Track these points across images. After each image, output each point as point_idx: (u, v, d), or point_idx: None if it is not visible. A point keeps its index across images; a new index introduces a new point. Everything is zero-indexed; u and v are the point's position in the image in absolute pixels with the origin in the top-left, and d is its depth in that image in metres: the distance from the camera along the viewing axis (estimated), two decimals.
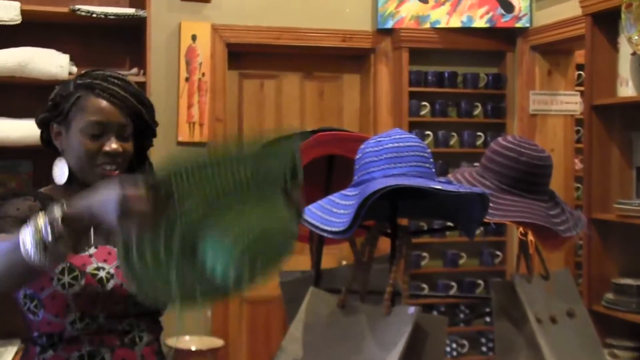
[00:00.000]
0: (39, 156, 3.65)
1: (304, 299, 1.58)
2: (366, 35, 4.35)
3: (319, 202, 1.53)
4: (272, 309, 4.22)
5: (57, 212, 1.21)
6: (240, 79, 4.33)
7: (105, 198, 1.19)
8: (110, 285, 1.57)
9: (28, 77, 3.39)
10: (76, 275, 1.54)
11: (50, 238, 1.19)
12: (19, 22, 3.44)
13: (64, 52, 3.50)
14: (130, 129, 1.64)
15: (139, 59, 3.69)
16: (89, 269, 1.56)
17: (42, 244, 1.19)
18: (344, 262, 4.23)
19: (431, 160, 1.53)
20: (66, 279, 1.54)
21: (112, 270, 1.57)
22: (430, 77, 4.40)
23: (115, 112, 1.61)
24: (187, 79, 4.01)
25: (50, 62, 3.42)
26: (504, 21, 4.38)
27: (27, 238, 1.21)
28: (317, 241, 1.96)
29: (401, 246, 1.51)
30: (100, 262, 1.58)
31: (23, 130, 3.36)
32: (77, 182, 1.62)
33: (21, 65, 3.38)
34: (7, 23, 3.44)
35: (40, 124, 1.68)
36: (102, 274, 1.57)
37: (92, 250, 1.59)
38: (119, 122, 1.61)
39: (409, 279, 1.51)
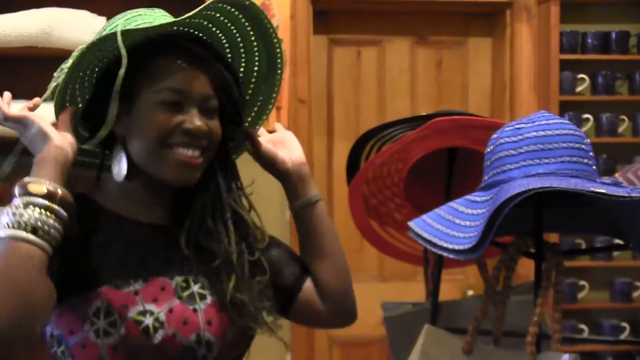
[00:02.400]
0: None
1: (417, 340, 1.59)
2: None
3: (437, 210, 1.54)
4: (372, 353, 4.24)
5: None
6: (330, 47, 4.37)
7: None
8: (158, 336, 1.50)
9: (53, 47, 3.50)
10: (114, 320, 1.49)
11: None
12: None
13: (101, 13, 3.61)
14: (216, 104, 1.61)
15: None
16: (132, 313, 1.50)
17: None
18: (471, 292, 4.22)
19: (591, 154, 1.51)
20: (101, 323, 1.49)
21: (162, 316, 1.52)
22: (590, 40, 4.32)
23: (199, 78, 1.58)
24: None
25: (82, 27, 3.53)
26: None
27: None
28: (435, 263, 1.96)
29: (549, 271, 1.50)
30: (149, 304, 1.52)
31: (47, 116, 3.48)
32: (140, 178, 1.59)
33: (45, 32, 3.50)
34: None
35: (91, 109, 1.62)
36: (148, 320, 1.51)
37: (140, 283, 1.54)
38: (204, 92, 1.58)
39: (561, 316, 1.50)
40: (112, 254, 1.55)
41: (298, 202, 1.75)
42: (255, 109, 1.77)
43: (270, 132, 1.83)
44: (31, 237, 1.35)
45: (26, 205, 1.37)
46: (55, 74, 1.60)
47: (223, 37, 1.68)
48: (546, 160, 1.47)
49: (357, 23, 4.39)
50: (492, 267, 1.59)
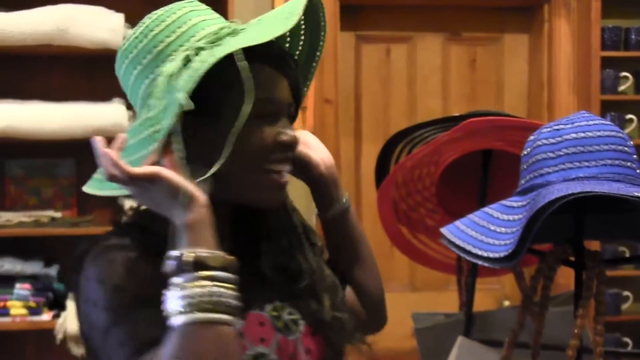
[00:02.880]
0: (84, 154, 3.79)
1: (450, 353, 1.59)
2: None
3: (471, 216, 1.54)
4: None
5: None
6: (358, 44, 4.37)
7: None
8: None
9: (69, 45, 3.53)
10: None
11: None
12: None
13: (118, 10, 3.63)
14: (294, 110, 1.53)
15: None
16: (244, 358, 1.41)
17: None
18: (507, 303, 4.20)
19: (634, 156, 1.50)
20: None
21: (273, 356, 1.45)
22: (634, 36, 4.30)
23: (284, 82, 1.48)
24: None
25: (99, 24, 3.55)
26: None
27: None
28: (469, 272, 1.96)
29: (591, 281, 1.49)
30: (257, 345, 1.44)
31: (63, 117, 3.50)
32: (217, 202, 1.39)
33: (60, 30, 3.52)
34: None
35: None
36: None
37: (240, 323, 1.37)
38: (289, 98, 1.49)
39: (604, 329, 1.49)
40: None
41: (333, 209, 1.65)
42: None
43: None
44: (230, 319, 1.26)
45: (210, 280, 1.25)
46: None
47: None
48: (586, 164, 1.47)
49: (386, 19, 4.39)
50: (529, 276, 1.58)
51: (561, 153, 1.49)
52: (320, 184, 1.64)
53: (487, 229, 1.48)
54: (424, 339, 1.98)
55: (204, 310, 1.23)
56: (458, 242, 1.50)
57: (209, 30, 1.41)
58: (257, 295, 1.47)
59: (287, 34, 1.56)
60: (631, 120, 4.29)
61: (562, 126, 1.53)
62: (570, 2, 4.31)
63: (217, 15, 1.47)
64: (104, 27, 3.56)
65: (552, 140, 1.51)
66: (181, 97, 1.32)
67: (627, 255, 4.15)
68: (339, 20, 4.18)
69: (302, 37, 1.60)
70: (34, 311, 3.52)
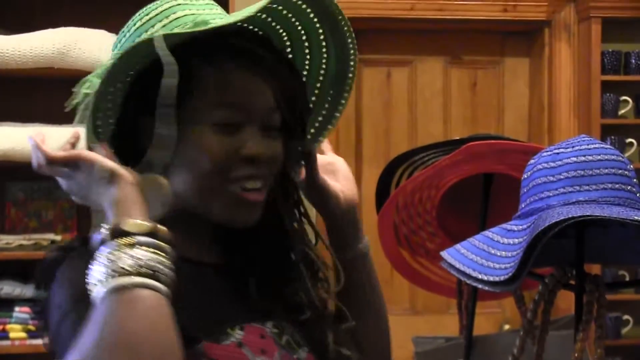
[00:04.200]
0: None
1: None
2: (538, 2, 4.32)
3: (471, 239, 1.54)
4: None
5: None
6: (359, 67, 4.34)
7: None
8: None
9: (70, 68, 3.54)
10: None
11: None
12: None
13: (118, 33, 3.64)
14: (279, 119, 1.36)
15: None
16: None
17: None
18: (507, 327, 4.20)
19: (635, 180, 1.51)
20: None
21: None
22: (634, 60, 4.31)
23: (260, 87, 1.34)
24: None
25: (100, 47, 3.57)
26: None
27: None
28: (469, 296, 1.96)
29: (591, 304, 1.49)
30: (258, 356, 1.34)
31: (64, 140, 3.51)
32: (185, 212, 1.35)
33: (61, 52, 3.53)
34: None
35: (121, 124, 1.37)
36: None
37: (239, 333, 1.34)
38: (266, 106, 1.34)
39: (604, 353, 1.49)
40: (190, 303, 1.28)
41: (348, 253, 1.50)
42: (320, 118, 1.53)
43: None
44: (152, 282, 1.13)
45: (130, 246, 1.14)
46: (82, 90, 1.33)
47: (282, 31, 1.43)
48: (587, 187, 1.47)
49: (387, 42, 4.40)
50: (530, 300, 1.59)
51: (561, 177, 1.50)
52: (335, 221, 1.51)
53: (488, 253, 1.48)
54: None
55: (123, 274, 1.11)
56: (458, 265, 1.50)
57: (188, 20, 1.31)
58: (256, 310, 1.37)
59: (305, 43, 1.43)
60: (631, 144, 4.29)
61: (562, 150, 1.53)
62: (570, 26, 4.33)
63: (212, 9, 1.36)
64: (104, 50, 3.57)
65: (552, 164, 1.52)
66: (97, 74, 1.28)
67: (627, 279, 4.14)
68: None
69: (324, 42, 1.44)
70: (33, 334, 3.51)
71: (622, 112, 4.32)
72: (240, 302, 1.38)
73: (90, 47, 3.56)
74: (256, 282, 1.39)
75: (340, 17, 1.39)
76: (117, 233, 1.15)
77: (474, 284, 1.48)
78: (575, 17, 4.33)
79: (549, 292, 1.53)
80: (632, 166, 1.54)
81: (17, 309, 3.54)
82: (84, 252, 1.24)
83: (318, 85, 1.49)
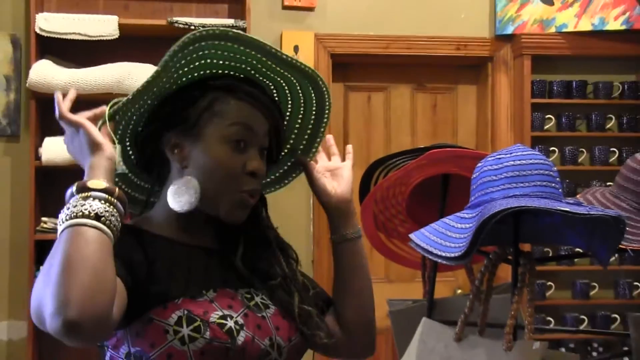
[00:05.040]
0: None
1: (416, 331, 1.58)
2: (483, 42, 4.31)
3: (433, 225, 1.53)
4: (379, 340, 4.20)
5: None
6: (346, 92, 4.37)
7: None
8: (241, 338, 1.32)
9: (125, 94, 3.52)
10: (198, 326, 1.29)
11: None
12: (116, 36, 3.61)
13: None
14: (267, 144, 1.44)
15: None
16: (214, 317, 1.31)
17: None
18: (460, 291, 4.19)
19: (557, 179, 1.50)
20: (185, 331, 1.28)
21: (240, 320, 1.34)
22: (555, 87, 4.31)
23: (260, 119, 1.40)
24: None
25: (147, 77, 3.56)
26: None
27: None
28: (431, 268, 1.95)
29: (524, 274, 1.48)
30: (226, 309, 1.34)
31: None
32: (198, 210, 1.38)
33: (118, 82, 3.53)
34: (105, 38, 3.61)
35: (145, 138, 1.42)
36: (230, 323, 1.32)
37: (211, 293, 1.35)
38: (263, 132, 1.41)
39: (533, 311, 1.48)
40: (178, 273, 1.34)
41: (334, 236, 1.54)
42: (306, 137, 1.59)
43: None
44: (96, 223, 1.17)
45: (85, 198, 1.19)
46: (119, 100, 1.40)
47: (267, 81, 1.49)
48: (522, 185, 1.46)
49: (368, 73, 4.39)
50: (477, 271, 1.58)
51: (502, 176, 1.49)
52: (328, 211, 1.55)
53: (445, 235, 1.48)
54: (396, 319, 1.97)
55: (82, 217, 1.17)
56: (423, 245, 1.49)
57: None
58: (233, 282, 1.40)
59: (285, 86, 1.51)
60: (554, 151, 4.29)
61: (502, 155, 1.52)
62: (508, 61, 4.32)
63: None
64: None
65: (495, 167, 1.51)
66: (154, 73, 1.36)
67: (551, 254, 4.14)
68: (332, 74, 4.19)
69: (302, 101, 1.54)
70: None
71: (547, 127, 4.32)
72: (221, 275, 1.39)
73: (141, 77, 3.55)
74: (241, 259, 1.42)
75: (319, 78, 1.51)
76: (80, 188, 1.21)
77: (435, 259, 1.47)
78: (511, 55, 4.32)
79: (492, 265, 1.52)
80: (555, 168, 1.53)
81: None
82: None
83: (299, 121, 1.56)
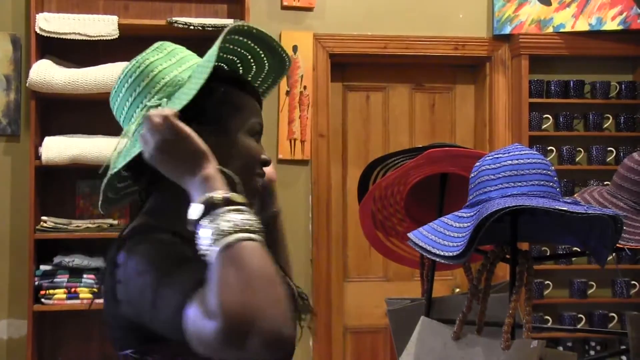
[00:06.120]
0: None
1: (414, 330, 1.58)
2: (481, 43, 4.31)
3: (431, 224, 1.53)
4: (378, 339, 4.21)
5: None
6: (345, 92, 4.37)
7: None
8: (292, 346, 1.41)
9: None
10: None
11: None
12: (116, 36, 3.61)
13: None
14: None
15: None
16: None
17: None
18: (458, 290, 4.19)
19: (555, 178, 1.50)
20: None
21: None
22: (553, 87, 4.31)
23: (260, 114, 1.46)
24: (287, 93, 4.09)
25: None
26: None
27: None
28: (429, 267, 1.95)
29: (522, 273, 1.48)
30: None
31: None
32: None
33: None
34: (105, 38, 3.61)
35: None
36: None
37: None
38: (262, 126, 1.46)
39: (531, 310, 1.48)
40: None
41: (265, 213, 1.60)
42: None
43: None
44: (259, 237, 1.14)
45: (237, 212, 1.14)
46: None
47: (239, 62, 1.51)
48: (519, 184, 1.46)
49: (367, 73, 4.39)
50: (475, 270, 1.58)
51: (500, 175, 1.49)
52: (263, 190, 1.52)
53: (444, 234, 1.48)
54: (394, 318, 1.97)
55: (239, 232, 1.12)
56: (421, 243, 1.49)
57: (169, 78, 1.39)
58: None
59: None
60: (552, 150, 4.29)
61: (500, 155, 1.52)
62: (505, 61, 4.32)
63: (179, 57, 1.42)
64: None
65: (492, 166, 1.51)
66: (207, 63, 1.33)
67: (549, 253, 4.14)
68: (330, 74, 4.18)
69: (266, 61, 1.51)
70: (97, 295, 3.50)
71: (544, 126, 4.32)
72: None
73: None
74: None
75: (275, 43, 1.46)
76: (226, 202, 1.15)
77: (433, 257, 1.47)
78: (509, 55, 4.32)
79: (490, 264, 1.53)
80: (553, 167, 1.53)
81: (85, 276, 3.54)
82: (153, 229, 1.30)
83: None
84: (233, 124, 1.40)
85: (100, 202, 1.43)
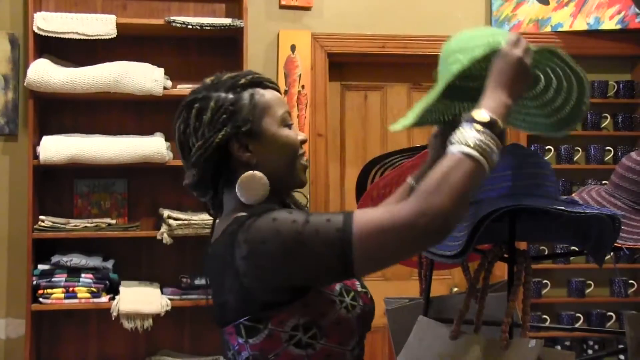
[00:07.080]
0: (134, 175, 3.81)
1: (413, 329, 1.57)
2: None
3: None
4: (376, 338, 4.20)
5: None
6: (343, 91, 4.37)
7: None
8: (374, 303, 1.52)
9: (122, 92, 3.54)
10: (354, 295, 1.45)
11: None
12: (114, 36, 3.61)
13: (159, 65, 3.64)
14: None
15: (236, 71, 3.79)
16: (358, 287, 1.49)
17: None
18: (456, 289, 4.18)
19: (553, 178, 1.50)
20: (347, 300, 1.44)
21: (365, 289, 1.52)
22: None
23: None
24: (285, 92, 4.09)
25: (145, 77, 3.56)
26: (639, 22, 4.24)
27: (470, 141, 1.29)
28: (427, 266, 1.95)
29: (520, 272, 1.48)
30: (357, 281, 1.51)
31: (118, 148, 3.50)
32: (273, 194, 1.51)
33: (116, 80, 3.52)
34: (103, 37, 3.61)
35: (217, 147, 1.50)
36: (367, 291, 1.51)
37: None
38: None
39: (529, 309, 1.48)
40: None
41: None
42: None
43: None
44: (476, 154, 1.29)
45: (493, 143, 1.31)
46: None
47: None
48: (517, 183, 1.46)
49: (364, 72, 4.38)
50: (473, 269, 1.58)
51: (498, 175, 1.49)
52: None
53: None
54: (393, 317, 1.97)
55: (481, 155, 1.28)
56: None
57: None
58: None
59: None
60: (550, 150, 4.29)
61: None
62: None
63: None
64: (148, 79, 3.57)
65: None
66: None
67: (547, 252, 4.14)
68: (328, 74, 4.18)
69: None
70: (95, 295, 3.51)
71: None
72: None
73: (137, 76, 3.56)
74: None
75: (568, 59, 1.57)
76: (493, 125, 1.31)
77: (431, 257, 1.47)
78: None
79: (488, 263, 1.52)
80: (551, 167, 1.53)
81: (83, 275, 3.54)
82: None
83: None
84: (266, 125, 1.51)
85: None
